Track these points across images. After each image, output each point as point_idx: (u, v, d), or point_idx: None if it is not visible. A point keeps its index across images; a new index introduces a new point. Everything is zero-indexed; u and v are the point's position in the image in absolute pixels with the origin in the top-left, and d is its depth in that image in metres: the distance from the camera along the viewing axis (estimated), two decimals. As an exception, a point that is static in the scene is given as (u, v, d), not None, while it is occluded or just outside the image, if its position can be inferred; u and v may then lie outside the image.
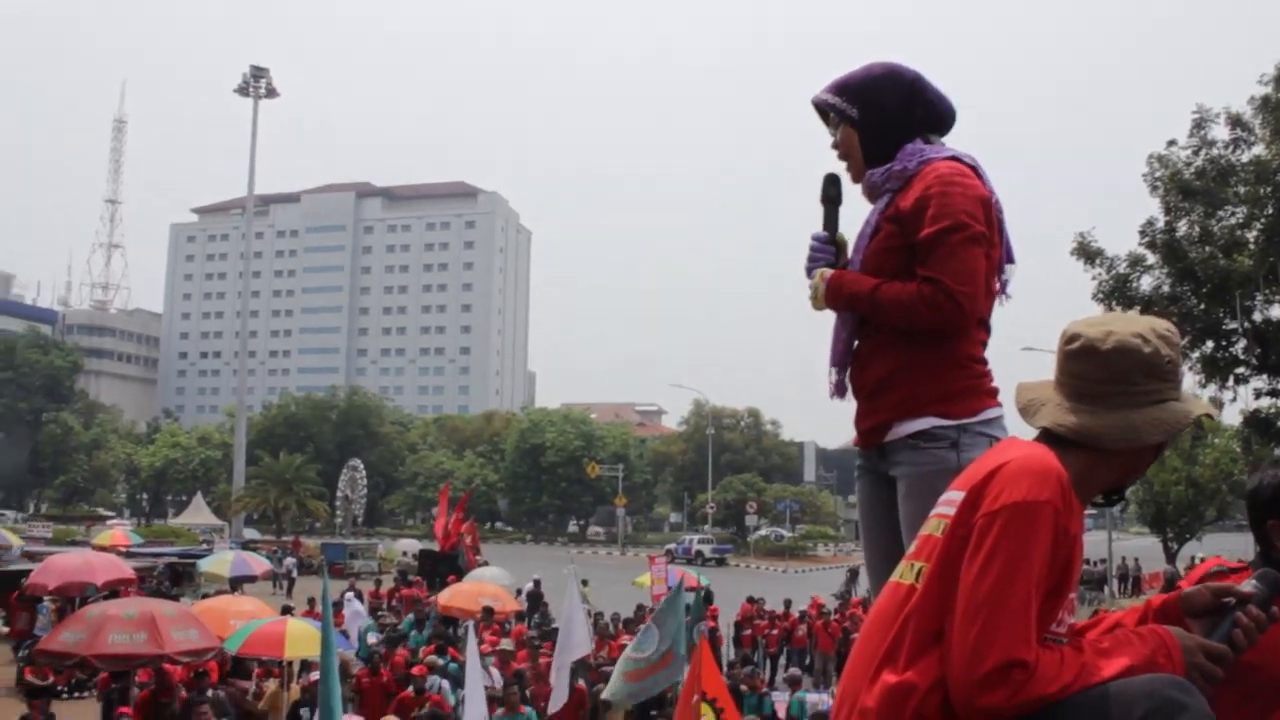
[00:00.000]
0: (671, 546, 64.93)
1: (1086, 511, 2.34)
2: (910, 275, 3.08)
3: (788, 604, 25.88)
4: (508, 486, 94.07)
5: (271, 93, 65.09)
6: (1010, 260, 3.27)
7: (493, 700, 14.14)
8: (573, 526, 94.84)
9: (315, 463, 75.08)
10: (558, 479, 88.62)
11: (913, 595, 2.13)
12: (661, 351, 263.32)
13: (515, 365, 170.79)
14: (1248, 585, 2.19)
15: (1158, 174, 27.35)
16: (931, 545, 2.16)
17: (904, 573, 2.21)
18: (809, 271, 3.34)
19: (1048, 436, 2.26)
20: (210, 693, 14.35)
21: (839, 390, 3.35)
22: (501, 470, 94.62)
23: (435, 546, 42.63)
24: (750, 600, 25.43)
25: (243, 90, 64.75)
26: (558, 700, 13.27)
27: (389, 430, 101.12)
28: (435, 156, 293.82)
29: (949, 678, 2.00)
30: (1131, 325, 2.27)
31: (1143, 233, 27.70)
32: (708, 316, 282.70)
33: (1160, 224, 27.48)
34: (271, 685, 15.45)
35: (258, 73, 64.47)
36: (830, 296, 3.24)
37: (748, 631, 23.30)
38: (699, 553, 63.92)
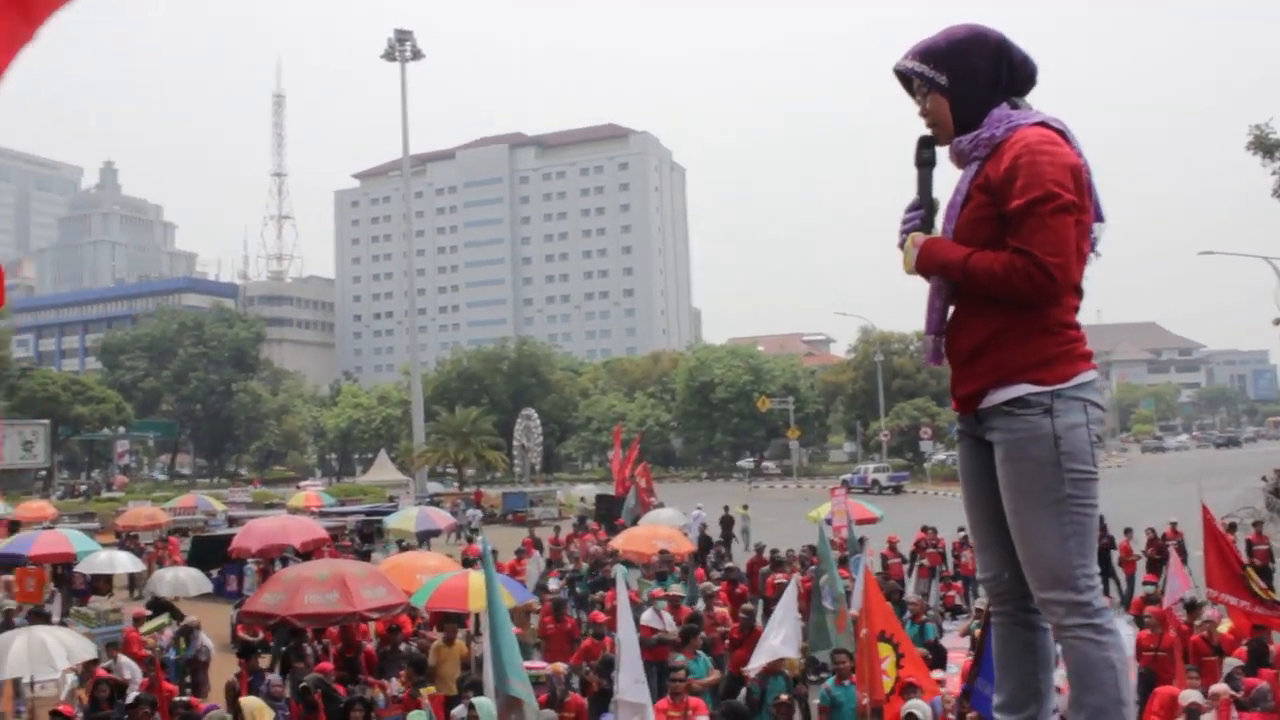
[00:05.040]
0: (847, 477, 64.59)
1: None
2: (1002, 244, 3.09)
3: (961, 530, 25.52)
4: (680, 426, 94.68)
5: (417, 55, 66.13)
6: (1099, 219, 3.25)
7: (663, 644, 14.49)
8: (747, 462, 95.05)
9: (491, 414, 76.86)
10: (729, 415, 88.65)
11: None
12: (825, 279, 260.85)
13: (679, 303, 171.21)
14: None
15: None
16: None
17: None
18: (902, 236, 3.36)
19: None
20: (403, 646, 15.09)
21: (935, 356, 3.39)
22: (673, 410, 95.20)
23: (612, 490, 43.36)
24: (924, 529, 25.19)
25: (389, 55, 65.94)
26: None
27: (560, 377, 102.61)
28: (583, 99, 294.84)
29: None
30: None
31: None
32: (869, 241, 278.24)
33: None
34: (436, 637, 15.84)
35: (402, 36, 65.55)
36: (922, 262, 3.26)
37: (923, 561, 23.13)
38: (875, 481, 63.44)
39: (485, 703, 10.64)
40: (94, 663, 13.96)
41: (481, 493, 55.94)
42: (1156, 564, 22.56)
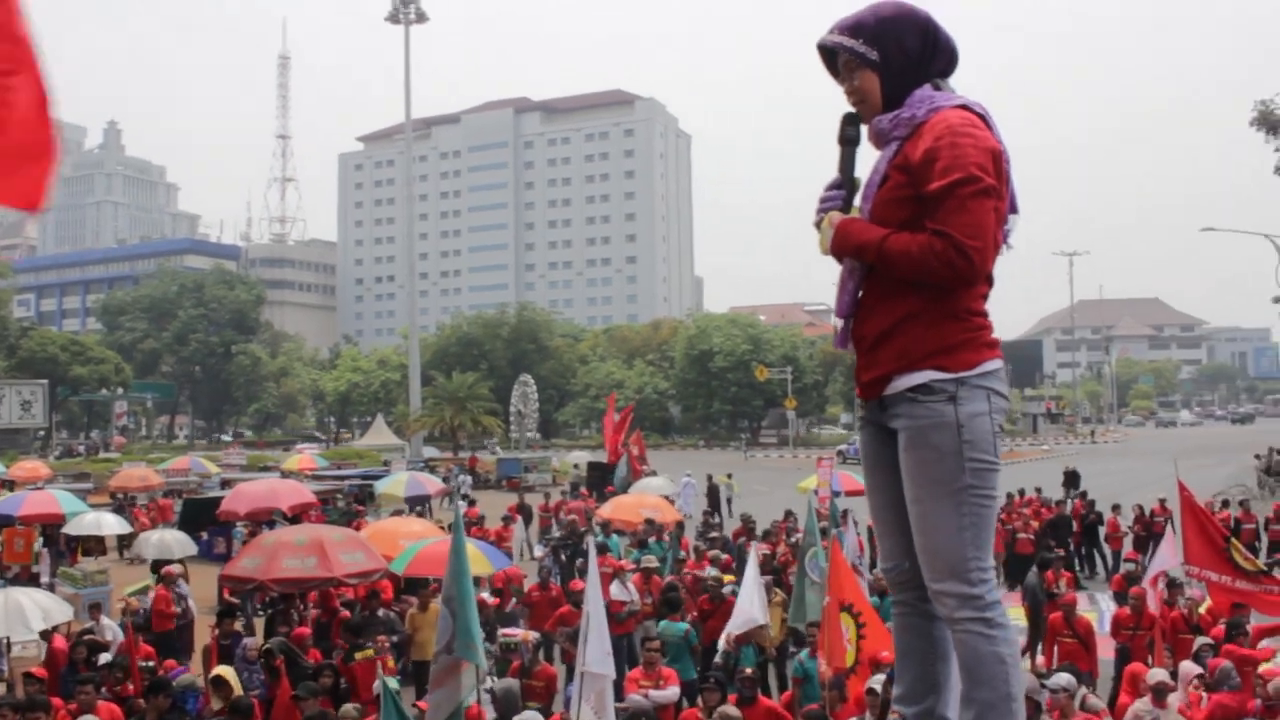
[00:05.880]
0: (843, 447, 64.64)
1: None
2: (919, 226, 3.03)
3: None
4: (679, 394, 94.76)
5: (421, 17, 65.59)
6: (1014, 210, 3.18)
7: (632, 615, 14.51)
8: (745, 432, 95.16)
9: (489, 379, 76.84)
10: (727, 384, 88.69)
11: None
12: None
13: (682, 271, 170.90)
14: None
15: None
16: None
17: None
18: (819, 215, 3.29)
19: None
20: (381, 611, 15.08)
21: (842, 341, 3.33)
22: (672, 378, 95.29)
23: (605, 458, 43.37)
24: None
25: (393, 18, 65.46)
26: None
27: (559, 344, 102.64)
28: (590, 64, 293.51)
29: None
30: None
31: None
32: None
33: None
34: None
35: (406, -1, 65.10)
36: (837, 243, 3.19)
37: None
38: (870, 453, 63.42)
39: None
40: (55, 629, 13.89)
41: (476, 458, 55.99)
42: (1143, 541, 22.56)
